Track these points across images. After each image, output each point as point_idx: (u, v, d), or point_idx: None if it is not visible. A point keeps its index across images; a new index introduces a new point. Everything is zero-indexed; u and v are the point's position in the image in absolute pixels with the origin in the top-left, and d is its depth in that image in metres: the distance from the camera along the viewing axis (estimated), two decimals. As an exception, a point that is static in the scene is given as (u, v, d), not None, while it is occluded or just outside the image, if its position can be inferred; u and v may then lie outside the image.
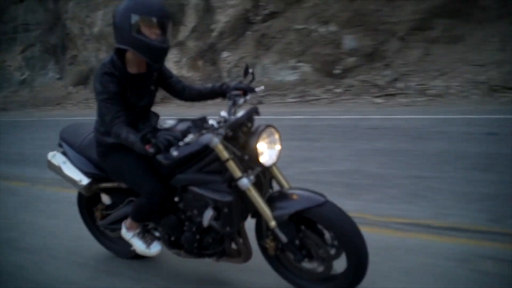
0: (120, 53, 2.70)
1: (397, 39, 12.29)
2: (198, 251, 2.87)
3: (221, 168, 2.59)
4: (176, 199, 2.77)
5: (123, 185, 3.11)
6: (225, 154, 2.51)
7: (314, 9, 13.87)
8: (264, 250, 2.78)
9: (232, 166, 2.52)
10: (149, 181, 2.76)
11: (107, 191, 3.24)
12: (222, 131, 2.50)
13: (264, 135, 2.50)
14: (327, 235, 2.58)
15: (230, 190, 2.59)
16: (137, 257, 3.39)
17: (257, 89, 2.86)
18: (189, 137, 2.40)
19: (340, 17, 13.15)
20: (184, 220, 2.83)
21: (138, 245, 3.02)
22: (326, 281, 2.64)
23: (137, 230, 3.04)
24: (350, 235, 2.45)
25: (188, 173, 2.68)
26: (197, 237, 2.80)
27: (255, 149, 2.46)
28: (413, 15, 12.20)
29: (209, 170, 2.64)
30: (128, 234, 3.04)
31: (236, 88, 2.85)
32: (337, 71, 12.71)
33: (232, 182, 2.60)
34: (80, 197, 3.50)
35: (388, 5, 12.71)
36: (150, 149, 2.39)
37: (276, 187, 2.80)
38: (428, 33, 11.90)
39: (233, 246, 2.83)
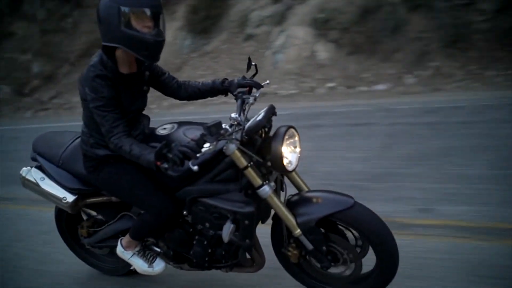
0: (108, 52, 2.37)
1: (69, 64, 16.21)
2: (209, 264, 2.63)
3: (235, 176, 2.35)
4: (184, 212, 2.50)
5: (114, 199, 2.79)
6: (243, 161, 2.27)
7: (19, 41, 17.80)
8: (284, 258, 2.58)
9: (252, 173, 2.29)
10: (155, 197, 2.47)
11: (95, 206, 2.90)
12: (237, 136, 2.26)
13: (286, 137, 2.28)
14: (349, 234, 2.44)
15: (248, 199, 2.36)
16: (129, 273, 3.11)
17: (263, 84, 2.62)
18: (207, 147, 2.14)
19: (35, 48, 17.19)
20: (192, 233, 2.58)
21: (139, 264, 2.73)
22: (356, 283, 2.49)
23: (137, 248, 2.74)
24: (382, 236, 2.30)
25: (199, 184, 2.42)
26: (209, 250, 2.56)
27: (280, 153, 2.24)
28: (82, 45, 15.79)
29: (222, 179, 2.39)
30: (126, 253, 2.73)
31: (241, 85, 2.59)
32: (26, 91, 16.37)
33: (248, 190, 2.38)
34: (59, 213, 3.13)
35: (68, 37, 16.86)
36: (164, 165, 2.11)
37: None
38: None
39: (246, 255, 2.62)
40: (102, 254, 3.21)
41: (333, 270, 2.46)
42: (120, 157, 2.49)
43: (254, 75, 2.64)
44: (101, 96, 2.28)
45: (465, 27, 9.48)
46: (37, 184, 2.85)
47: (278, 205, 2.35)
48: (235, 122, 2.34)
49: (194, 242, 2.57)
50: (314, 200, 2.40)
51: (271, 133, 2.37)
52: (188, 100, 2.78)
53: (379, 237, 2.30)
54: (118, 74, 2.38)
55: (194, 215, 2.49)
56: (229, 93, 2.67)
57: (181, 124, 2.58)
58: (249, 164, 2.27)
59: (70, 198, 2.77)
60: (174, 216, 2.50)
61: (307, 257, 2.50)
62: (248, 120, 2.33)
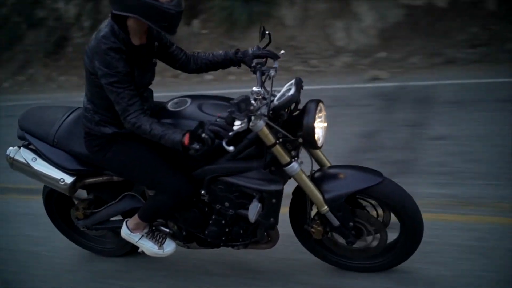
0: (119, 22, 2.12)
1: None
2: (224, 243, 2.52)
3: (259, 153, 2.22)
4: (202, 192, 2.35)
5: (115, 179, 2.59)
6: (271, 138, 2.13)
7: None
8: (304, 234, 2.51)
9: (280, 150, 2.17)
10: (173, 177, 2.30)
11: (93, 187, 2.68)
12: (264, 111, 2.11)
13: (318, 112, 2.16)
14: (366, 204, 2.42)
15: (275, 177, 2.25)
16: (127, 254, 2.96)
17: (280, 54, 2.46)
18: (238, 125, 1.99)
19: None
20: (207, 213, 2.44)
21: (148, 247, 2.56)
22: (379, 255, 2.47)
23: (145, 230, 2.57)
24: (411, 210, 2.28)
25: (220, 162, 2.27)
26: (227, 229, 2.45)
27: (313, 129, 2.12)
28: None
29: (245, 156, 2.25)
30: (134, 236, 2.56)
31: (257, 56, 2.42)
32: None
33: (272, 167, 2.27)
34: (48, 196, 2.89)
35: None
36: (195, 146, 1.95)
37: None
38: None
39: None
40: (98, 236, 3.02)
41: (358, 244, 2.42)
42: (130, 135, 2.29)
43: (267, 45, 2.47)
44: (115, 71, 2.05)
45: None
46: (28, 165, 2.58)
47: (306, 182, 2.25)
48: (259, 97, 2.20)
49: (211, 222, 2.44)
50: (342, 176, 2.32)
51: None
52: (198, 72, 2.57)
53: (407, 211, 2.27)
54: (130, 46, 2.15)
55: (212, 194, 2.35)
56: (242, 65, 2.49)
57: (194, 98, 2.40)
58: (277, 141, 2.15)
59: (68, 179, 2.54)
60: (192, 196, 2.35)
61: (331, 233, 2.45)
62: (274, 95, 2.19)
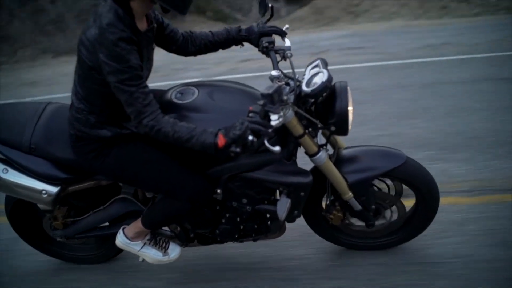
0: (121, 5, 1.78)
1: None
2: (236, 239, 2.35)
3: (281, 143, 2.04)
4: (218, 191, 2.13)
5: (104, 183, 2.28)
6: (299, 129, 1.97)
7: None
8: (318, 221, 2.41)
9: (308, 141, 2.02)
10: (189, 179, 2.05)
11: (76, 195, 2.33)
12: (291, 99, 1.93)
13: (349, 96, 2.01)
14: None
15: (303, 169, 2.10)
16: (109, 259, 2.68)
17: (285, 29, 2.25)
18: (276, 120, 1.79)
19: None
20: (219, 212, 2.24)
21: (152, 254, 2.31)
22: (399, 230, 2.44)
23: (147, 237, 2.30)
24: (432, 189, 2.26)
25: (240, 158, 2.05)
26: (241, 226, 2.27)
27: (347, 115, 1.97)
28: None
29: (265, 149, 2.05)
30: (134, 245, 2.29)
31: (263, 33, 2.19)
32: None
33: (293, 157, 2.12)
34: (12, 209, 2.49)
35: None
36: (234, 149, 1.73)
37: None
38: None
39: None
40: (77, 244, 2.68)
41: (379, 223, 2.38)
42: (133, 135, 2.00)
43: (269, 20, 2.25)
44: (127, 66, 1.73)
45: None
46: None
47: (333, 170, 2.13)
48: (282, 82, 2.00)
49: (223, 220, 2.24)
50: (363, 158, 2.22)
51: None
52: (196, 55, 2.28)
53: (429, 190, 2.25)
54: (138, 33, 1.82)
55: (229, 192, 2.14)
56: (245, 43, 2.26)
57: (199, 86, 2.12)
58: (306, 131, 1.99)
59: (52, 190, 2.17)
60: (211, 198, 2.13)
61: (349, 218, 2.37)
62: (298, 80, 2.00)
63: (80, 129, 1.98)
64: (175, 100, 2.05)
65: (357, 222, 2.40)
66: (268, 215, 2.30)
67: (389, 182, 2.35)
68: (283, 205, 2.06)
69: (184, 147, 1.84)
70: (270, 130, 1.74)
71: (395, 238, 2.45)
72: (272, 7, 2.19)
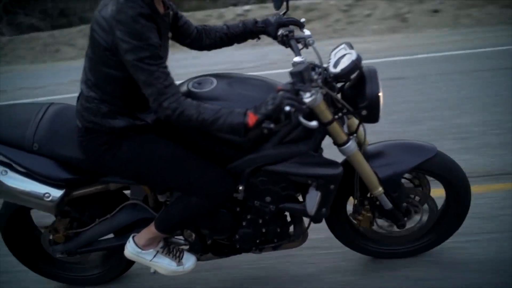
0: None
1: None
2: (257, 246, 2.16)
3: (306, 133, 1.91)
4: (240, 188, 1.97)
5: (112, 187, 2.10)
6: (328, 114, 1.84)
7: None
8: (341, 225, 2.24)
9: (337, 128, 1.89)
10: (209, 173, 1.88)
11: (81, 201, 2.13)
12: (319, 82, 1.81)
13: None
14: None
15: (329, 159, 1.96)
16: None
17: (302, 20, 2.16)
18: (308, 97, 1.66)
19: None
20: (239, 214, 2.06)
21: (165, 264, 2.10)
22: (430, 232, 2.28)
23: (160, 245, 2.10)
24: (463, 183, 2.13)
25: (265, 149, 1.91)
26: (263, 229, 2.09)
27: (379, 100, 1.85)
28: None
29: (292, 138, 1.91)
30: (146, 254, 2.08)
31: (282, 24, 2.10)
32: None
33: (320, 148, 1.98)
34: (6, 221, 2.26)
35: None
36: (268, 125, 1.59)
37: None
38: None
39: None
40: (76, 263, 2.44)
41: (408, 224, 2.20)
42: (146, 127, 1.85)
43: (285, 13, 2.16)
44: (147, 44, 1.60)
45: None
46: (-3, 182, 1.97)
47: (363, 162, 1.99)
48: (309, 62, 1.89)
49: (244, 223, 2.06)
50: (391, 152, 2.09)
51: None
52: (210, 49, 2.17)
53: (461, 183, 2.12)
54: (157, 13, 1.71)
55: (251, 189, 1.97)
56: (261, 36, 2.16)
57: (217, 76, 2.00)
58: (335, 117, 1.86)
59: (56, 193, 1.98)
60: (232, 194, 1.96)
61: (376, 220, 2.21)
62: (321, 64, 1.89)
63: (90, 120, 1.82)
64: (193, 89, 1.91)
65: (383, 225, 2.24)
66: (290, 219, 2.14)
67: (415, 180, 2.20)
68: (312, 199, 1.90)
69: (208, 133, 1.70)
70: (304, 107, 1.61)
71: (427, 241, 2.29)
72: (287, 0, 2.11)
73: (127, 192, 2.22)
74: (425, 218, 2.21)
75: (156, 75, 1.62)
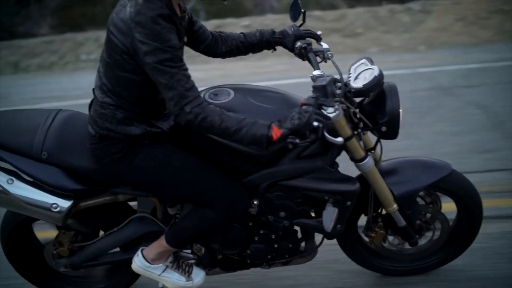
0: None
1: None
2: (267, 262, 2.12)
3: (323, 148, 1.88)
4: (255, 202, 1.93)
5: (121, 198, 2.04)
6: (347, 130, 1.81)
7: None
8: (351, 242, 2.21)
9: (356, 144, 1.87)
10: (226, 186, 1.85)
11: (88, 212, 2.07)
12: (341, 97, 1.78)
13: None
14: None
15: (348, 176, 1.93)
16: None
17: (319, 32, 2.14)
18: (332, 112, 1.65)
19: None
20: (251, 228, 2.02)
21: (174, 279, 2.04)
22: (444, 247, 2.25)
23: (170, 259, 2.04)
24: (476, 200, 2.12)
25: (282, 163, 1.88)
26: (276, 245, 2.05)
27: (399, 116, 1.84)
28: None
29: (310, 153, 1.88)
30: (155, 268, 2.02)
31: (299, 36, 2.07)
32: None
33: (335, 164, 1.96)
34: (9, 234, 2.18)
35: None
36: (293, 140, 1.56)
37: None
38: None
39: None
40: (79, 277, 2.36)
41: (421, 241, 2.19)
42: (161, 135, 1.81)
43: (301, 25, 2.14)
44: (168, 46, 1.57)
45: None
46: (4, 191, 1.89)
47: (379, 179, 1.96)
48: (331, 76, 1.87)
49: (256, 238, 2.02)
50: (406, 169, 2.07)
51: None
52: (225, 56, 2.13)
53: (474, 200, 2.11)
54: (175, 14, 1.67)
55: (266, 204, 1.94)
56: (276, 47, 2.14)
57: (235, 87, 1.96)
58: (355, 132, 1.84)
59: (64, 204, 1.91)
60: (248, 209, 1.92)
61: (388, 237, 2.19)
62: (340, 79, 1.86)
63: (104, 127, 1.77)
64: (210, 100, 1.88)
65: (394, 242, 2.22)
66: (300, 236, 2.11)
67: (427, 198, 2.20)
68: (330, 215, 1.86)
69: (224, 145, 1.67)
70: (329, 122, 1.59)
71: (437, 258, 2.27)
72: (304, 12, 2.09)
73: (132, 203, 2.17)
74: (437, 235, 2.19)
75: (177, 77, 1.58)
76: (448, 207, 2.18)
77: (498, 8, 8.31)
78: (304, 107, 1.63)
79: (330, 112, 1.63)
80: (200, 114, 1.59)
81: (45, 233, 2.29)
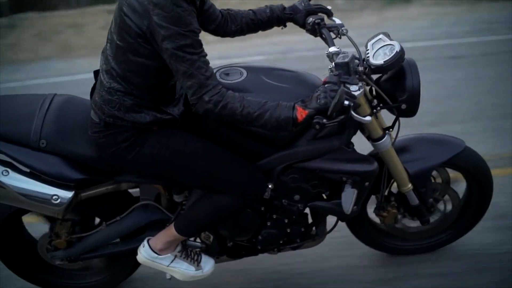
0: None
1: None
2: (279, 247, 2.05)
3: (339, 128, 1.81)
4: (270, 186, 1.84)
5: (123, 187, 1.92)
6: (367, 109, 1.74)
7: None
8: (359, 222, 2.16)
9: (374, 123, 1.80)
10: (241, 170, 1.75)
11: (89, 203, 1.93)
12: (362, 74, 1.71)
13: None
14: None
15: (364, 155, 1.87)
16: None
17: (329, 7, 2.04)
18: (356, 90, 1.58)
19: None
20: (263, 213, 1.94)
21: (183, 269, 1.94)
22: (455, 223, 2.23)
23: (178, 249, 1.94)
24: (488, 176, 2.10)
25: (299, 144, 1.79)
26: (288, 230, 1.98)
27: (419, 91, 1.77)
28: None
29: (326, 134, 1.80)
30: (163, 258, 1.91)
31: (311, 12, 1.96)
32: None
33: (351, 144, 1.89)
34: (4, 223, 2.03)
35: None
36: (320, 120, 1.48)
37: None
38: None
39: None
40: (76, 270, 2.23)
41: (432, 218, 2.16)
42: (170, 121, 1.69)
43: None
44: (188, 30, 1.45)
45: None
46: (-1, 184, 1.74)
47: (396, 158, 1.92)
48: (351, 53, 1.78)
49: (269, 223, 1.94)
50: (419, 146, 2.03)
51: None
52: (234, 35, 1.99)
53: (486, 177, 2.09)
54: None
55: (281, 187, 1.86)
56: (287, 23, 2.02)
57: (245, 67, 1.85)
58: (374, 111, 1.77)
59: (65, 195, 1.77)
60: (264, 192, 1.83)
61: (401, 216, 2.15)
62: (358, 56, 1.78)
63: (111, 114, 1.63)
64: (222, 80, 1.76)
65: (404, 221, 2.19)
66: (311, 220, 2.05)
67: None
68: (349, 197, 1.80)
69: (238, 128, 1.59)
70: (355, 99, 1.52)
71: (446, 236, 2.25)
72: None
73: (132, 191, 2.05)
74: (448, 212, 2.17)
75: (197, 64, 1.47)
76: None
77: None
78: (327, 85, 1.54)
79: (354, 90, 1.56)
80: (220, 102, 1.49)
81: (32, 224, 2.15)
